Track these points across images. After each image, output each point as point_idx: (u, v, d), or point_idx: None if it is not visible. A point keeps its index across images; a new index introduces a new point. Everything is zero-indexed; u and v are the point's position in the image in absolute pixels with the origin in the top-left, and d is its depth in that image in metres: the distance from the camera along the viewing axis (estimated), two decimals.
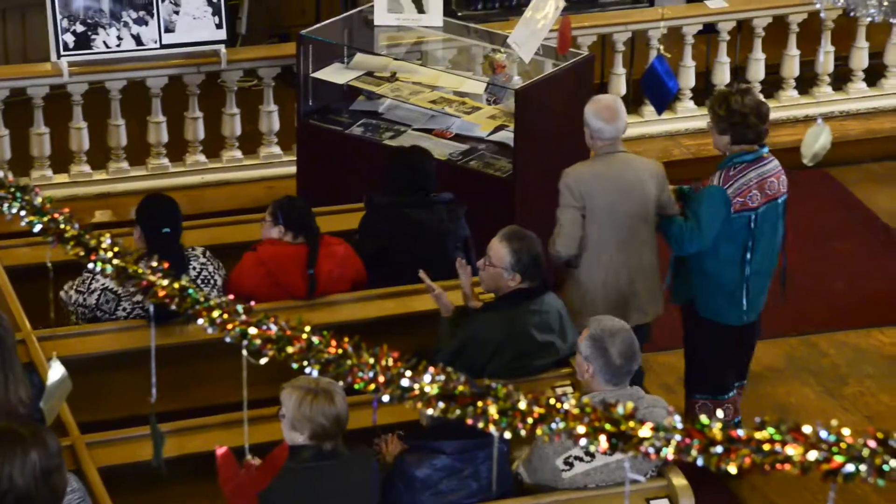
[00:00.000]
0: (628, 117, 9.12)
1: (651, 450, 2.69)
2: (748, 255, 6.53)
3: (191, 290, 3.34)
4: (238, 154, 8.76)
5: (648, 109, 9.04)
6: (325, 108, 8.15)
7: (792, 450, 2.60)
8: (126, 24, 8.30)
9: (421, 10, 8.22)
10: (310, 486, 5.03)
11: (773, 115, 9.37)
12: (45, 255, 5.65)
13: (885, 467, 2.56)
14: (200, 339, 5.32)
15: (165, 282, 3.37)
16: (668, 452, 2.69)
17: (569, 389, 5.91)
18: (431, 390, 2.87)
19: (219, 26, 8.43)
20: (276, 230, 6.47)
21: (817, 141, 5.70)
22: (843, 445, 2.58)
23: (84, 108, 8.41)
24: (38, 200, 3.65)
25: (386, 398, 2.95)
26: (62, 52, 8.24)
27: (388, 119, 8.06)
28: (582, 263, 6.55)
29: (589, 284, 6.55)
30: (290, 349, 3.11)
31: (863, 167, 9.28)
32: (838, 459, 2.58)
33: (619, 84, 9.12)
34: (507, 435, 2.82)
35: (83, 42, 8.25)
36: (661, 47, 8.56)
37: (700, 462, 2.68)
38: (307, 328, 3.12)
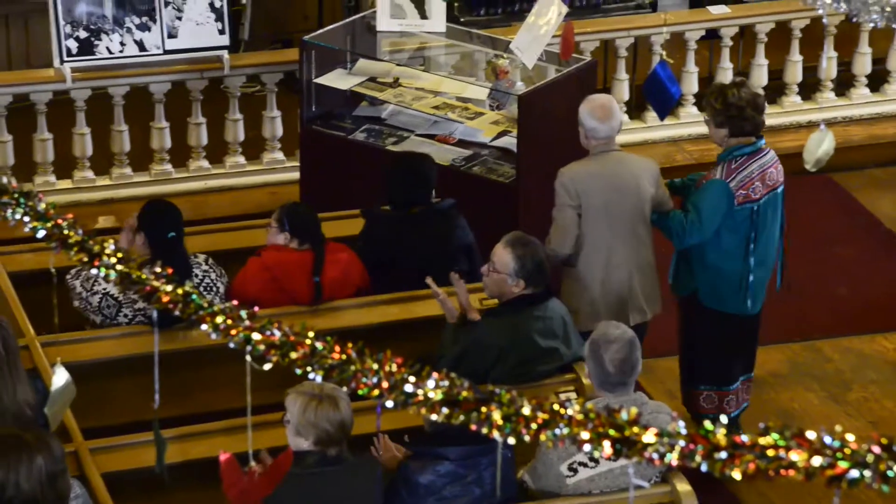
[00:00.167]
0: (631, 123, 9.21)
1: (655, 455, 2.69)
2: (752, 246, 6.57)
3: (194, 296, 3.34)
4: (241, 160, 8.77)
5: (651, 115, 9.04)
6: (328, 113, 8.15)
7: (796, 455, 2.60)
8: (129, 30, 8.30)
9: (424, 15, 8.22)
10: (314, 492, 5.03)
11: (776, 121, 9.47)
12: (48, 260, 5.65)
13: (890, 473, 2.55)
14: (204, 345, 5.32)
15: (169, 287, 3.37)
16: (673, 458, 2.68)
17: (572, 395, 5.91)
18: (435, 396, 2.87)
19: (222, 32, 8.44)
20: (281, 236, 6.47)
21: (820, 146, 5.71)
22: (847, 451, 2.58)
23: (87, 113, 8.42)
24: (42, 206, 3.65)
25: (390, 404, 2.95)
26: (65, 58, 8.24)
27: (391, 125, 8.06)
28: (579, 262, 6.58)
29: (587, 283, 6.59)
30: (293, 355, 3.11)
31: (866, 172, 9.28)
32: (842, 465, 2.57)
33: (622, 90, 9.12)
34: (511, 441, 2.81)
35: (86, 48, 8.26)
36: (664, 53, 8.58)
37: (704, 468, 2.67)
38: (311, 334, 3.12)
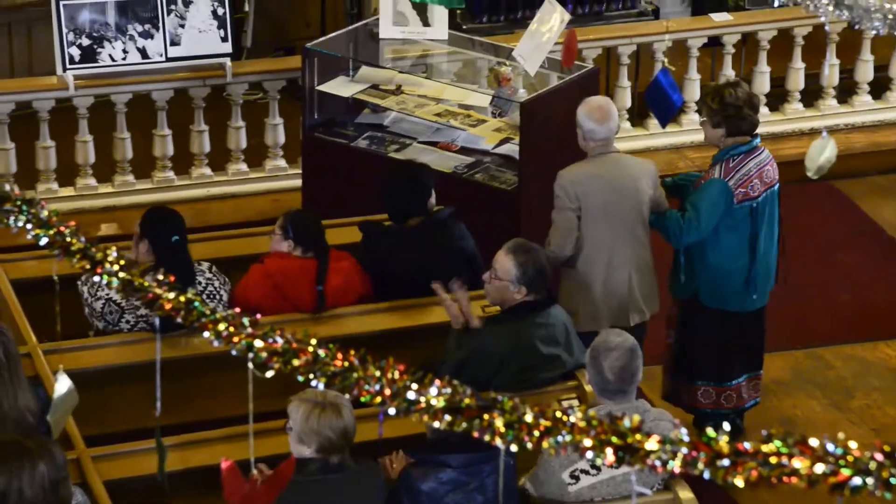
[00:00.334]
0: (633, 130, 9.21)
1: (658, 463, 2.69)
2: (753, 243, 6.59)
3: (196, 303, 3.34)
4: (243, 167, 8.77)
5: (653, 122, 9.04)
6: (330, 121, 8.16)
7: (799, 463, 2.60)
8: (132, 38, 8.31)
9: (426, 23, 8.23)
10: (316, 500, 5.03)
11: (778, 129, 9.47)
12: (51, 268, 5.66)
13: (893, 480, 2.55)
14: (206, 352, 5.32)
15: (171, 294, 3.37)
16: (675, 465, 2.68)
17: (575, 402, 5.91)
18: (437, 403, 2.87)
19: (224, 39, 8.44)
20: (285, 244, 6.47)
21: (822, 154, 5.71)
22: (849, 458, 2.58)
23: (90, 121, 8.42)
24: (44, 213, 3.66)
25: (392, 411, 2.95)
26: (68, 66, 8.25)
27: (393, 132, 8.06)
28: (579, 264, 6.62)
29: (587, 284, 6.62)
30: (295, 362, 3.11)
31: (868, 180, 9.28)
32: (845, 472, 2.57)
33: (624, 97, 9.12)
34: (514, 448, 2.81)
35: (89, 55, 8.27)
36: (666, 60, 8.58)
37: (707, 475, 2.67)
38: (313, 341, 3.12)
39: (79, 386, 4.83)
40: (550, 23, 7.51)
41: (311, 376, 3.08)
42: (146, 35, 8.33)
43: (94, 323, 6.29)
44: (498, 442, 2.82)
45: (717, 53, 9.38)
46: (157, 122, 8.53)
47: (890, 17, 4.31)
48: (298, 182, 8.37)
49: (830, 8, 4.37)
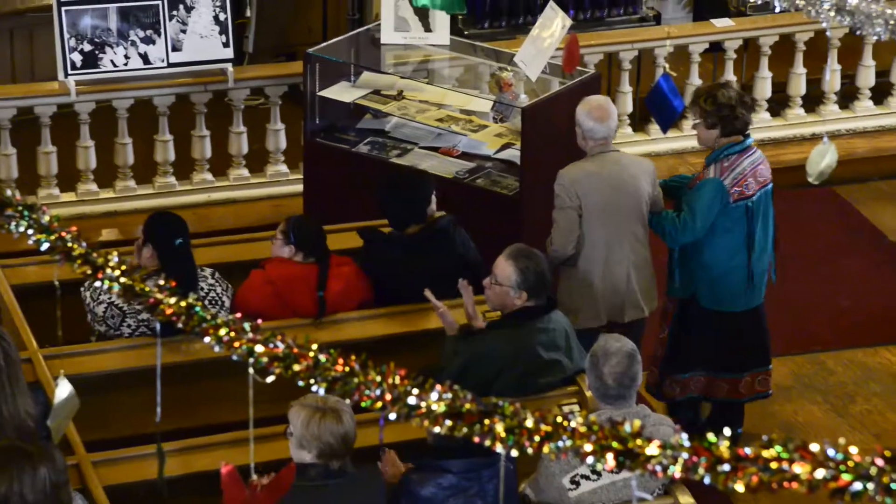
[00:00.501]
0: (635, 136, 9.22)
1: (658, 468, 2.69)
2: (750, 242, 6.62)
3: (197, 308, 3.34)
4: (245, 172, 8.77)
5: (654, 128, 9.04)
6: (331, 126, 8.16)
7: (799, 468, 2.60)
8: (133, 43, 8.32)
9: (428, 28, 8.23)
10: None
11: (779, 134, 9.47)
12: (52, 273, 5.66)
13: (893, 486, 2.55)
14: (207, 358, 5.32)
15: (172, 300, 3.37)
16: (676, 470, 2.68)
17: (575, 408, 5.91)
18: (438, 408, 2.87)
19: (226, 45, 8.45)
20: (287, 249, 6.47)
21: (823, 159, 5.72)
22: (850, 464, 2.57)
23: (91, 126, 8.43)
24: (46, 219, 3.66)
25: (393, 416, 2.95)
26: (70, 71, 8.26)
27: (394, 137, 8.07)
28: (579, 261, 6.65)
29: (587, 282, 6.66)
30: (296, 367, 3.11)
31: (869, 185, 9.28)
32: (846, 478, 2.57)
33: (626, 102, 9.12)
34: (514, 453, 2.81)
35: (91, 61, 8.27)
36: (668, 66, 8.58)
37: (707, 480, 2.67)
38: (314, 346, 3.12)
39: (79, 391, 4.83)
40: (552, 28, 7.51)
41: (312, 381, 3.08)
42: (148, 41, 8.33)
43: (96, 327, 6.30)
44: (498, 447, 2.82)
45: (718, 59, 9.38)
46: (158, 127, 8.53)
47: (891, 22, 4.31)
48: (300, 187, 8.38)
49: (832, 13, 4.37)
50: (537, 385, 6.01)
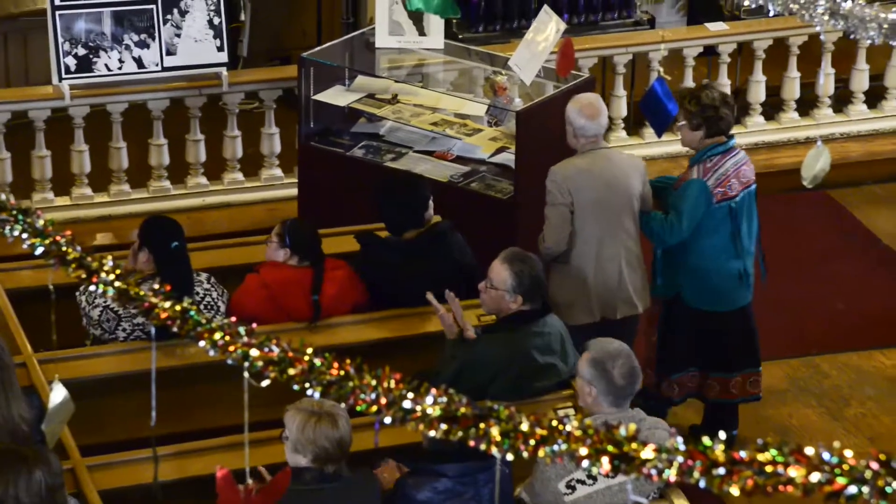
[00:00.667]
0: (629, 139, 9.22)
1: (653, 471, 2.69)
2: (734, 242, 6.65)
3: (192, 312, 3.34)
4: (239, 176, 8.77)
5: (649, 131, 9.05)
6: (326, 130, 8.16)
7: (794, 471, 2.60)
8: (127, 47, 8.32)
9: (422, 32, 8.24)
10: None
11: (773, 138, 9.48)
12: (46, 277, 5.65)
13: (888, 489, 2.55)
14: (202, 362, 5.32)
15: (167, 303, 3.37)
16: (671, 474, 2.68)
17: (571, 411, 5.90)
18: (434, 412, 2.87)
19: (220, 49, 8.45)
20: (281, 252, 6.47)
21: (817, 163, 5.72)
22: (845, 467, 2.58)
23: (85, 130, 8.42)
24: (40, 223, 3.66)
25: (388, 420, 2.95)
26: (64, 75, 8.25)
27: (389, 141, 8.07)
28: (571, 258, 6.68)
29: (579, 278, 6.69)
30: (291, 371, 3.11)
31: (863, 189, 9.29)
32: (841, 481, 2.57)
33: (620, 106, 9.13)
34: (510, 457, 2.81)
35: (85, 65, 8.27)
36: (662, 69, 8.59)
37: (702, 484, 2.67)
38: (309, 350, 3.12)
39: (74, 395, 4.82)
40: (546, 32, 7.52)
41: (307, 385, 3.08)
42: (142, 45, 8.33)
43: (91, 331, 6.29)
44: (494, 451, 2.82)
45: (712, 62, 9.39)
46: (152, 131, 8.53)
47: (885, 26, 4.31)
48: (294, 191, 8.37)
49: (826, 17, 4.37)
50: (533, 389, 6.01)
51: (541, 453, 2.77)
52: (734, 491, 2.65)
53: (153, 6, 8.32)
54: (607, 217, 6.68)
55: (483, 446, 2.83)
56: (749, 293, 6.86)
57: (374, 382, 2.99)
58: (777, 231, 8.74)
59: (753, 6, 4.63)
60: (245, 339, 3.21)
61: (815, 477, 2.58)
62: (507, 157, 7.79)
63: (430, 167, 7.77)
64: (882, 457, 2.57)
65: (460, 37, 9.15)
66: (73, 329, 6.29)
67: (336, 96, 8.11)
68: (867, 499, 2.57)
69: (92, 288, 3.54)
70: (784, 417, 7.38)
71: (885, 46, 7.48)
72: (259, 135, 8.73)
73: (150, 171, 8.65)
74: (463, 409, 2.87)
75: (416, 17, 8.19)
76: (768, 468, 2.61)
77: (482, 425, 2.82)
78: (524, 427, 2.79)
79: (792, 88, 9.43)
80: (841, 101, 9.62)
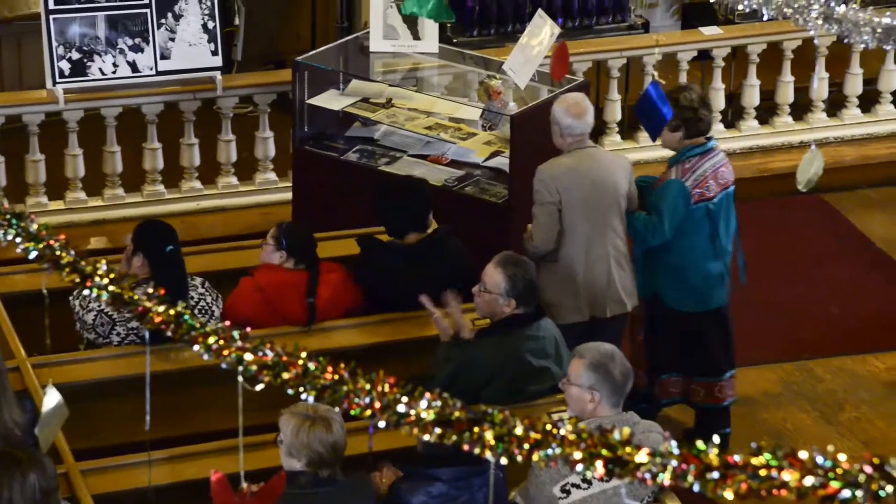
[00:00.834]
0: (623, 143, 9.23)
1: (647, 475, 2.69)
2: (713, 243, 6.68)
3: (186, 317, 3.34)
4: (234, 180, 8.77)
5: (643, 135, 9.06)
6: (320, 134, 8.16)
7: (788, 475, 2.60)
8: (122, 51, 8.31)
9: (416, 36, 8.24)
10: None
11: (767, 142, 9.49)
12: (40, 281, 5.65)
13: (881, 493, 2.55)
14: (196, 366, 5.30)
15: (161, 308, 3.37)
16: (665, 478, 2.68)
17: (565, 415, 5.90)
18: (428, 416, 2.87)
19: (214, 53, 8.45)
20: (277, 255, 6.46)
21: (811, 167, 5.73)
22: (839, 471, 2.58)
23: (79, 134, 8.42)
24: (34, 227, 3.65)
25: (382, 424, 2.95)
26: (58, 79, 8.25)
27: (383, 145, 8.07)
28: (560, 257, 6.69)
29: (568, 277, 6.71)
30: (285, 375, 3.11)
31: (857, 193, 9.30)
32: (834, 485, 2.57)
33: (614, 110, 9.14)
34: (504, 461, 2.81)
35: (79, 69, 8.26)
36: (656, 73, 8.59)
37: (696, 488, 2.67)
38: (303, 354, 3.12)
39: (68, 399, 4.82)
40: (541, 36, 7.52)
41: (301, 390, 3.08)
42: (136, 49, 8.33)
43: (85, 336, 6.28)
44: (488, 455, 2.82)
45: (706, 67, 9.39)
46: (147, 135, 8.53)
47: (878, 30, 4.32)
48: (288, 195, 8.37)
49: (820, 22, 4.38)
50: (527, 392, 6.01)
51: (535, 457, 2.77)
52: (728, 495, 2.65)
53: (147, 10, 8.32)
54: (595, 215, 6.71)
55: (477, 450, 2.83)
56: (725, 294, 6.89)
57: (368, 386, 2.98)
58: (771, 235, 8.75)
59: (747, 10, 4.64)
60: (239, 343, 3.21)
61: (809, 481, 2.58)
62: (502, 161, 7.79)
63: (425, 171, 7.77)
64: (876, 460, 2.57)
65: (455, 41, 9.16)
66: (67, 333, 6.29)
67: (330, 100, 8.11)
68: (861, 502, 2.57)
69: (86, 292, 3.54)
70: (778, 421, 7.38)
71: (878, 50, 7.49)
72: (253, 139, 8.73)
73: (145, 175, 8.64)
74: (457, 413, 2.87)
75: (411, 21, 8.19)
76: (762, 472, 2.61)
77: (476, 429, 2.82)
78: (518, 431, 2.79)
79: (786, 92, 9.44)
80: (835, 105, 9.63)
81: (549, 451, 2.75)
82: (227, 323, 3.35)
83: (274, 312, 6.39)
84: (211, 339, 3.24)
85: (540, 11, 7.68)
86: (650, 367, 6.97)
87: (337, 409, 3.03)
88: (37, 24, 8.41)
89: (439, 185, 7.66)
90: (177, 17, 8.38)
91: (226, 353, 3.21)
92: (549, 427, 2.79)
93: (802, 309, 8.17)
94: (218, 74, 8.47)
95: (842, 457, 2.60)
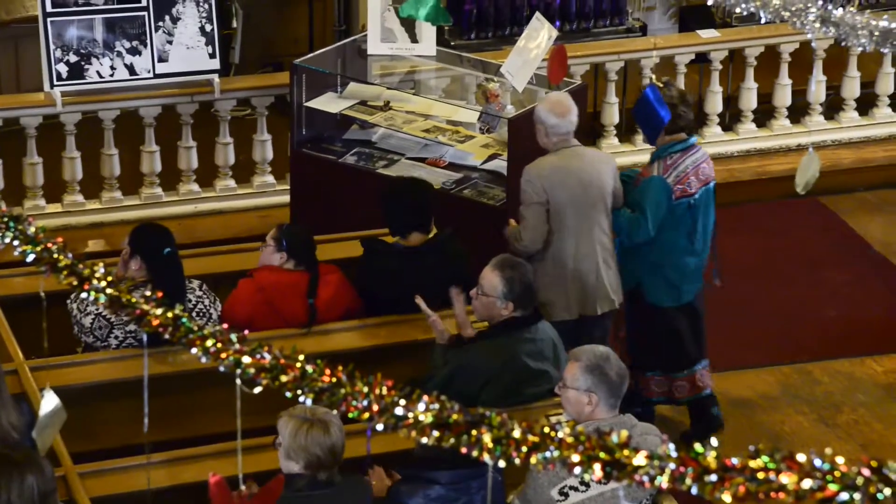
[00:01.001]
0: (621, 146, 9.23)
1: (645, 478, 2.69)
2: (691, 239, 6.71)
3: (184, 319, 3.34)
4: (231, 183, 8.77)
5: (641, 138, 9.06)
6: (318, 137, 8.16)
7: (786, 478, 2.60)
8: (119, 54, 8.31)
9: (414, 39, 8.24)
10: None
11: (765, 145, 9.49)
12: (38, 284, 5.65)
13: (879, 496, 2.55)
14: (194, 369, 5.31)
15: (159, 311, 3.37)
16: (663, 481, 2.68)
17: (563, 418, 5.90)
18: (426, 419, 2.87)
19: (212, 56, 8.45)
20: (277, 256, 6.46)
21: (809, 169, 5.74)
22: (837, 474, 2.58)
23: (77, 137, 8.42)
24: (32, 230, 3.65)
25: (380, 427, 2.95)
26: (55, 82, 8.25)
27: (381, 148, 8.07)
28: (548, 256, 6.71)
29: (557, 276, 6.74)
30: (283, 378, 3.11)
31: (855, 196, 9.31)
32: (832, 488, 2.57)
33: (612, 113, 9.14)
34: (502, 464, 2.81)
35: (76, 72, 8.26)
36: (654, 76, 8.60)
37: (694, 490, 2.67)
38: (301, 357, 3.12)
39: (66, 402, 4.81)
40: (538, 39, 7.53)
41: (299, 392, 3.08)
42: (134, 51, 8.33)
43: (83, 339, 6.28)
44: (486, 458, 2.82)
45: (704, 70, 9.40)
46: (144, 138, 8.53)
47: (876, 33, 4.32)
48: (286, 198, 8.37)
49: (817, 25, 4.38)
50: (524, 395, 6.01)
51: (533, 460, 2.77)
52: (726, 498, 2.65)
53: (145, 13, 8.32)
54: (583, 213, 6.73)
55: (475, 453, 2.83)
56: (698, 288, 6.92)
57: (365, 389, 2.98)
58: (769, 237, 8.75)
59: (745, 13, 4.64)
60: (237, 345, 3.21)
61: (807, 484, 2.58)
62: (500, 164, 7.79)
63: (423, 174, 7.76)
64: (874, 463, 2.57)
65: (452, 44, 9.16)
66: (65, 336, 6.29)
67: (328, 103, 8.11)
68: None
69: (83, 295, 3.54)
70: (776, 424, 7.38)
71: (876, 53, 7.49)
72: (251, 141, 8.73)
73: (142, 178, 8.64)
74: (455, 416, 2.87)
75: (409, 24, 8.19)
76: (760, 475, 2.61)
77: (474, 432, 2.82)
78: (516, 434, 2.79)
79: (783, 95, 9.44)
80: (832, 108, 9.63)
81: (547, 454, 2.75)
82: (226, 325, 3.35)
83: (275, 313, 6.39)
84: (209, 342, 3.24)
85: (537, 14, 7.68)
86: (634, 364, 6.97)
87: (335, 411, 3.03)
88: (34, 26, 8.41)
89: (437, 188, 7.66)
90: (174, 20, 8.38)
91: (224, 355, 3.21)
92: (546, 430, 2.79)
93: (800, 311, 8.17)
94: (216, 77, 8.47)
95: (840, 460, 2.60)
